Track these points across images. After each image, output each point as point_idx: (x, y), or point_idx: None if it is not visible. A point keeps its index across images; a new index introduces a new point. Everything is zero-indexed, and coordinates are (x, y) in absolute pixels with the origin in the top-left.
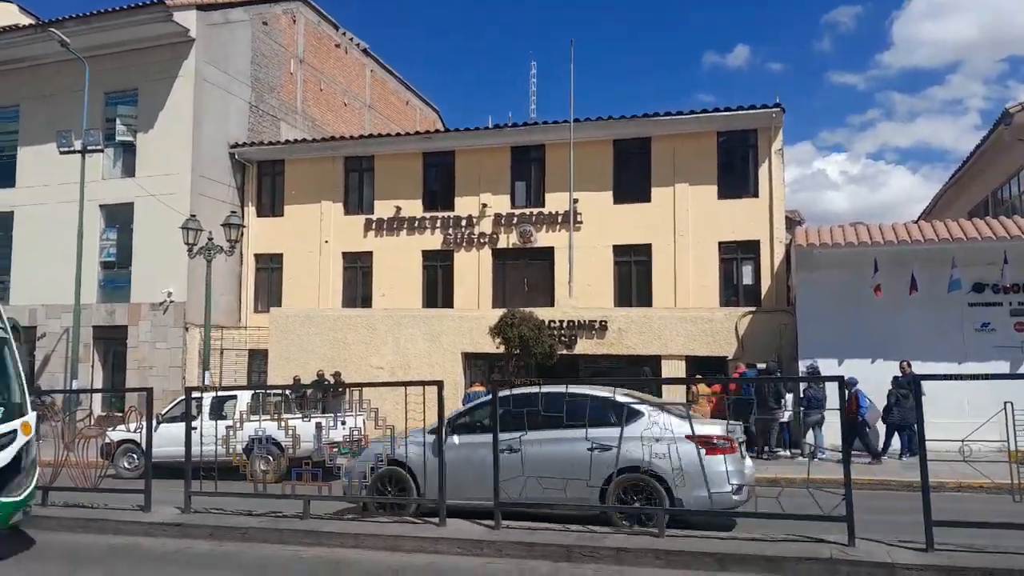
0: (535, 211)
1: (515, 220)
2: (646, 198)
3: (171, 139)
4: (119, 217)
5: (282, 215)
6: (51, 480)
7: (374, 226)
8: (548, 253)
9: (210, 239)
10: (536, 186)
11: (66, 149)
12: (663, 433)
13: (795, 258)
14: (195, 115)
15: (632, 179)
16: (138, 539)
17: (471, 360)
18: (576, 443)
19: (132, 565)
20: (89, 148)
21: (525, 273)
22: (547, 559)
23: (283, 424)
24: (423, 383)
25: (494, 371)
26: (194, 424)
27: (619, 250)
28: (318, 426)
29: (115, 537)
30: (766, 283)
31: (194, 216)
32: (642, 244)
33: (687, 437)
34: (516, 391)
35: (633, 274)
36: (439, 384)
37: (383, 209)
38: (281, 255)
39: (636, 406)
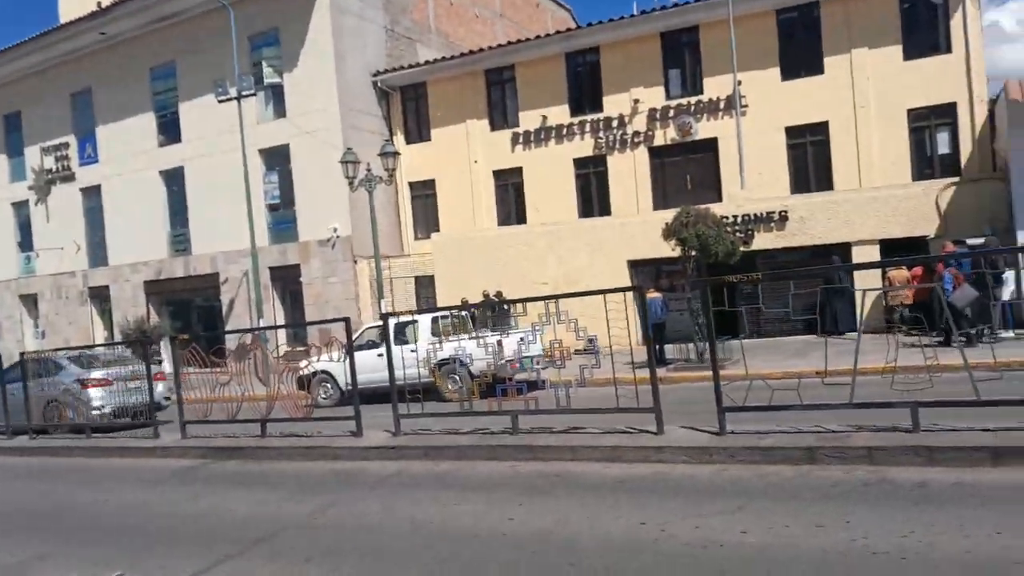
0: (693, 101)
1: (671, 113)
2: (818, 70)
3: (316, 74)
4: (277, 159)
5: (430, 139)
6: (267, 412)
7: (521, 139)
8: (711, 145)
9: (368, 170)
10: (692, 73)
11: (223, 97)
12: None
13: (1007, 115)
14: (335, 47)
15: (801, 51)
16: (357, 463)
17: (637, 267)
18: None
19: (359, 488)
20: (243, 93)
21: (686, 169)
22: (788, 463)
23: (482, 342)
24: (622, 289)
25: (660, 276)
26: (380, 351)
27: (792, 131)
28: (498, 343)
29: (335, 463)
30: (966, 150)
31: (350, 149)
32: (818, 122)
33: None
34: None
35: (810, 156)
36: (637, 289)
37: (529, 120)
38: (433, 180)
39: None
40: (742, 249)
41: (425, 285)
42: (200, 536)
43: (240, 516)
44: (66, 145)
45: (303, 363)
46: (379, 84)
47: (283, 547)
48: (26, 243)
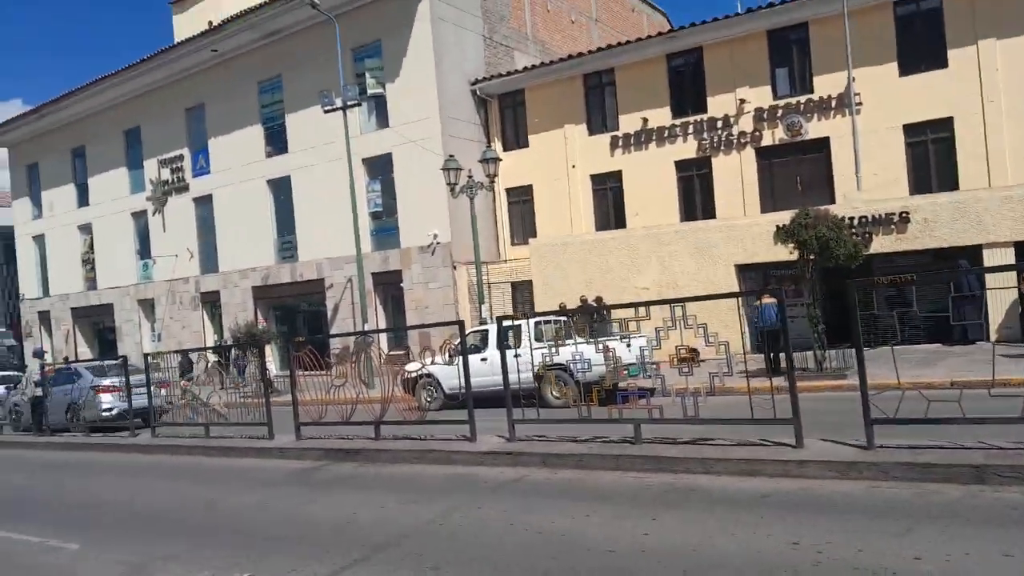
0: (802, 99)
1: (779, 113)
2: (941, 64)
3: (417, 84)
4: (380, 168)
5: (527, 146)
6: (381, 415)
7: (620, 143)
8: (822, 145)
9: (470, 176)
10: (801, 71)
11: (329, 107)
12: None
13: None
14: (436, 56)
15: (921, 44)
16: (472, 468)
17: (745, 272)
18: None
19: (478, 494)
20: (348, 103)
21: (796, 171)
22: (952, 482)
23: (600, 347)
24: (735, 295)
25: (768, 281)
26: (484, 355)
27: (911, 129)
28: (605, 348)
29: (451, 467)
30: None
31: (452, 156)
32: (940, 119)
33: None
34: None
35: (931, 155)
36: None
37: (629, 123)
38: (530, 186)
39: None
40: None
41: (521, 291)
42: (324, 539)
43: (362, 520)
44: (181, 157)
45: (409, 366)
46: (477, 92)
47: (408, 553)
48: (144, 251)
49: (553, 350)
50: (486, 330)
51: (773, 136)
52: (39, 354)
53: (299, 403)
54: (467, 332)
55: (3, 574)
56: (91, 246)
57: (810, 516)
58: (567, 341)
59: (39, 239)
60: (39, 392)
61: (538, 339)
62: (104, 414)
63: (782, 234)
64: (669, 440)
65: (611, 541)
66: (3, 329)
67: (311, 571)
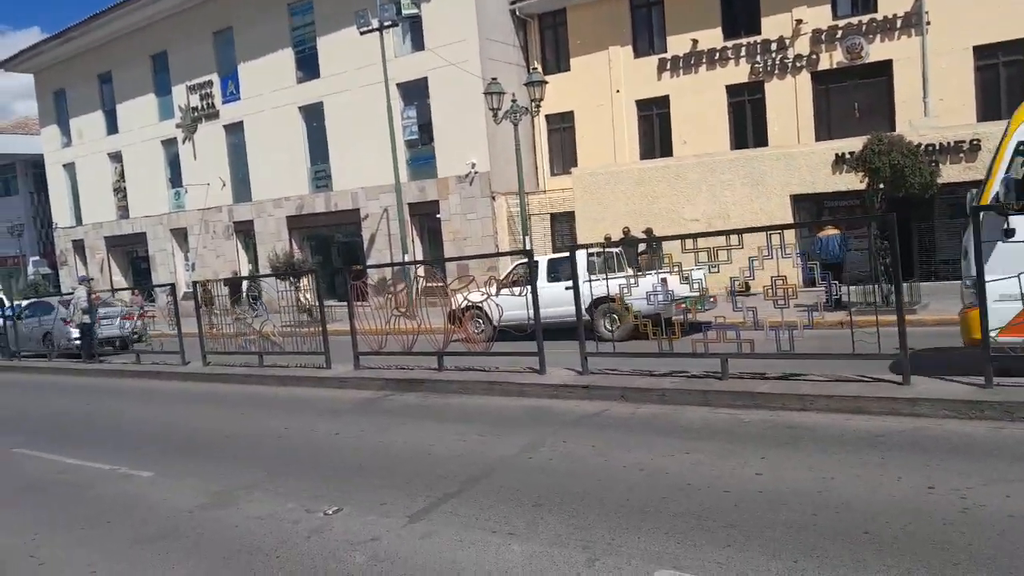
0: (864, 19)
1: (839, 34)
2: None
3: (454, 4)
4: (415, 94)
5: (568, 70)
6: (444, 345)
7: (668, 66)
8: (884, 68)
9: (514, 101)
10: None
11: (365, 28)
12: None
13: None
14: None
15: None
16: (544, 401)
17: (800, 203)
18: None
19: (560, 427)
20: (385, 24)
21: (855, 96)
22: None
23: (651, 279)
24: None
25: (823, 213)
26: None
27: (981, 51)
28: (663, 281)
29: (521, 399)
30: None
31: (495, 79)
32: (1013, 40)
33: None
34: None
35: (1002, 79)
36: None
37: (677, 45)
38: (572, 112)
39: None
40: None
41: (561, 222)
42: (407, 471)
43: (441, 451)
44: (210, 83)
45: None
46: (517, 12)
47: (503, 487)
48: (176, 179)
49: (605, 283)
50: (535, 261)
51: (831, 59)
52: (85, 280)
53: (357, 332)
54: (515, 264)
55: (86, 503)
56: (122, 174)
57: (938, 459)
58: (623, 274)
59: (69, 167)
60: (87, 319)
61: (591, 272)
62: (74, 342)
63: (853, 161)
64: (758, 375)
65: (722, 481)
66: (37, 257)
67: (403, 505)
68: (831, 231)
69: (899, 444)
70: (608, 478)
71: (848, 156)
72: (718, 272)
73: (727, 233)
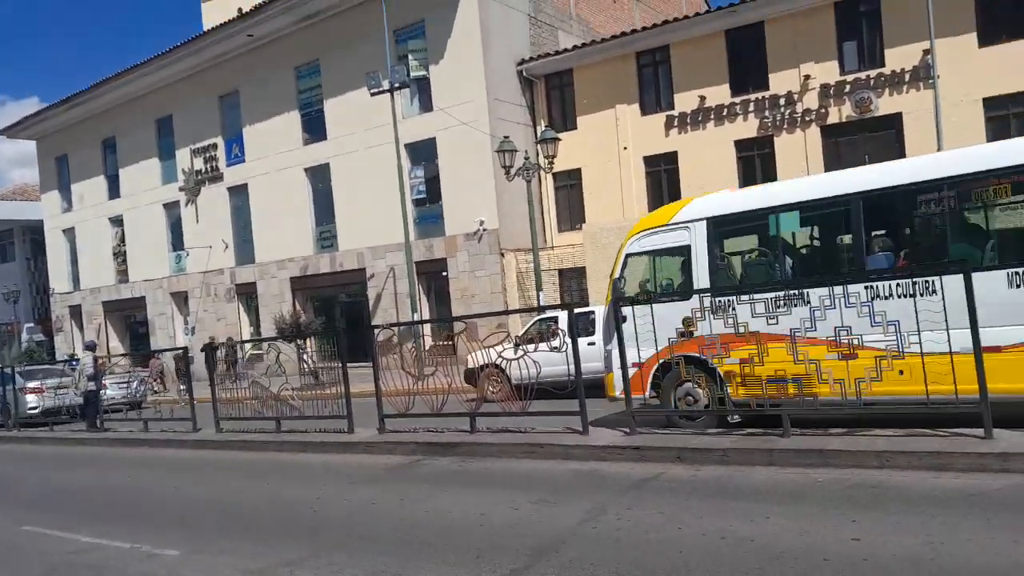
0: (872, 74)
1: (847, 88)
2: (1022, 33)
3: (462, 66)
4: (423, 154)
5: (575, 128)
6: (476, 406)
7: (676, 122)
8: (893, 121)
9: (526, 158)
10: (871, 44)
11: (376, 89)
12: None
13: None
14: (482, 36)
15: (1005, 12)
16: (593, 464)
17: None
18: None
19: (617, 493)
20: (396, 85)
21: (865, 149)
22: None
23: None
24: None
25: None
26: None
27: (991, 103)
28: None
29: (567, 463)
30: None
31: (507, 137)
32: (1022, 91)
33: None
34: None
35: (1012, 129)
36: None
37: (685, 102)
38: (579, 170)
39: None
40: None
41: (569, 278)
42: (464, 543)
43: (497, 521)
44: (214, 146)
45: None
46: (524, 73)
47: (574, 560)
48: (177, 243)
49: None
50: (555, 316)
51: (840, 113)
52: (91, 346)
53: (383, 394)
54: (534, 320)
55: None
56: (122, 239)
57: None
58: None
59: (69, 232)
60: (92, 386)
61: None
62: (30, 411)
63: None
64: (820, 431)
65: (818, 548)
66: (31, 324)
67: None
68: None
69: (1001, 503)
70: (690, 548)
71: None
72: (776, 324)
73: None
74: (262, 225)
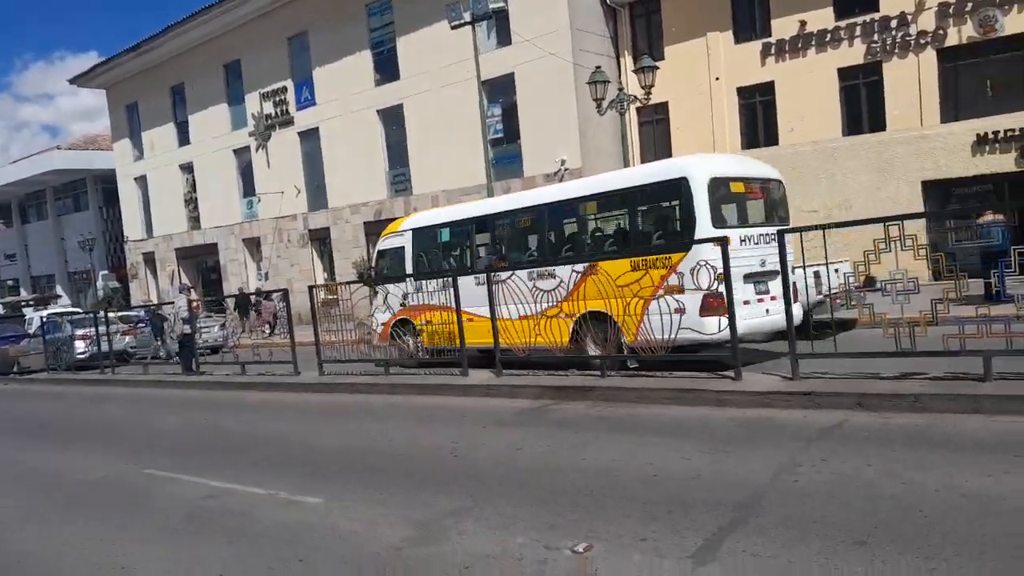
0: None
1: (968, 7)
2: None
3: None
4: (500, 91)
5: (662, 59)
6: (608, 351)
7: (773, 50)
8: (1021, 43)
9: (620, 89)
10: None
11: (457, 22)
12: None
13: None
14: None
15: None
16: (757, 411)
17: (931, 190)
18: None
19: (799, 443)
20: (478, 16)
21: (988, 73)
22: None
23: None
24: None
25: (950, 200)
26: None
27: None
28: (816, 275)
29: (723, 409)
30: None
31: (599, 68)
32: None
33: None
34: None
35: None
36: None
37: (783, 28)
38: (666, 104)
39: None
40: None
41: None
42: (644, 496)
43: (672, 473)
44: (284, 90)
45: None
46: (607, 1)
47: (790, 518)
48: (248, 189)
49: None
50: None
51: (960, 34)
52: (186, 289)
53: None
54: None
55: (263, 537)
56: (193, 185)
57: None
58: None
59: (141, 180)
60: (187, 329)
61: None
62: (79, 356)
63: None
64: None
65: None
66: (106, 271)
67: (672, 542)
68: (991, 216)
69: None
70: (934, 507)
71: (991, 136)
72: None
73: (886, 220)
74: (334, 169)
